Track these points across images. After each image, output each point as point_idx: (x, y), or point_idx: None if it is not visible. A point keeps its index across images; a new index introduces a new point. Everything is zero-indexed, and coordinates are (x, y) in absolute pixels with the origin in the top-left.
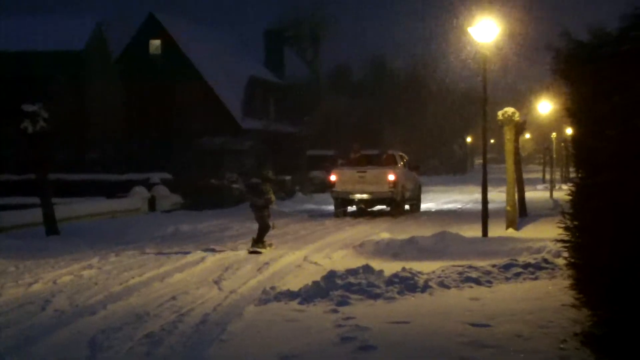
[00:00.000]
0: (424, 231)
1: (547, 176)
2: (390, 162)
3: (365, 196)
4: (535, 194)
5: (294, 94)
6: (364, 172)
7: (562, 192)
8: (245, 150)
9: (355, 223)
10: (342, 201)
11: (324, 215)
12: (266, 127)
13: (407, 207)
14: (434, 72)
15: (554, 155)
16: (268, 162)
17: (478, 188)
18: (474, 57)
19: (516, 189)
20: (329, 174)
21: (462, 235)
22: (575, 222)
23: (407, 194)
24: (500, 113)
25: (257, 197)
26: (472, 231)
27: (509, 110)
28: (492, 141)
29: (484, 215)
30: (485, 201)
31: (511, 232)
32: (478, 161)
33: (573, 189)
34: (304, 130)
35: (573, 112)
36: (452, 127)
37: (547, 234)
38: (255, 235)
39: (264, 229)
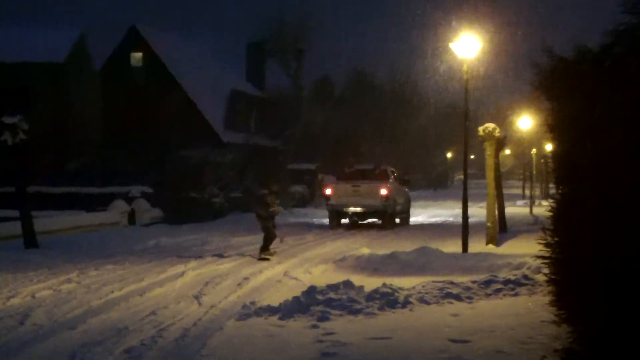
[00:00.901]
0: (405, 246)
1: (527, 192)
2: (383, 177)
3: (359, 209)
4: (515, 210)
5: (276, 107)
6: (358, 186)
7: (542, 208)
8: (226, 163)
9: (336, 237)
10: (337, 213)
11: (305, 230)
12: (247, 140)
13: (397, 220)
14: (416, 86)
15: (534, 171)
16: (248, 176)
17: (458, 203)
18: (456, 73)
19: (496, 205)
20: (323, 188)
21: (442, 251)
22: (556, 238)
23: (398, 208)
24: (481, 129)
25: (262, 208)
26: (453, 246)
27: (490, 125)
28: (472, 157)
29: (465, 230)
30: (465, 216)
31: (491, 247)
32: (458, 176)
33: (553, 204)
34: (285, 144)
35: (554, 127)
36: (434, 142)
37: (527, 250)
38: (262, 244)
39: (269, 238)
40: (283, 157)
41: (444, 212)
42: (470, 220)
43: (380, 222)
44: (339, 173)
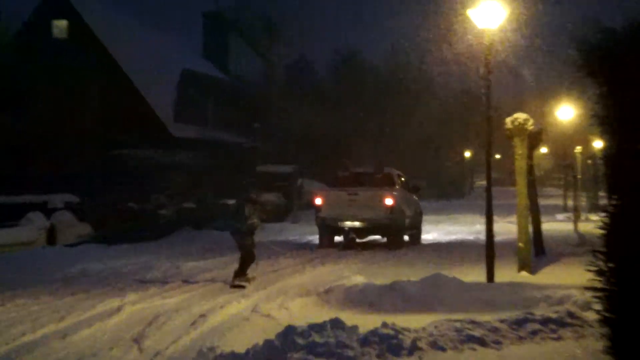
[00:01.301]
0: (411, 273)
1: (570, 202)
2: (387, 183)
3: (357, 223)
4: (554, 226)
5: (241, 94)
6: (356, 194)
7: (591, 224)
8: (176, 166)
9: (320, 261)
10: (329, 229)
11: (280, 251)
12: (204, 136)
13: (405, 237)
14: (421, 69)
15: (579, 176)
16: (206, 181)
17: (480, 217)
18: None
19: (530, 220)
20: (311, 197)
21: (460, 280)
22: (610, 264)
23: (407, 222)
24: (509, 120)
25: (239, 221)
26: (474, 274)
27: (521, 116)
28: (497, 157)
29: (489, 253)
30: (490, 235)
31: (524, 275)
32: (479, 182)
33: (606, 219)
34: (253, 140)
35: (604, 119)
36: (447, 139)
37: (571, 280)
38: (237, 267)
39: (248, 259)
40: (251, 158)
41: (462, 228)
42: (497, 239)
43: (383, 239)
44: (332, 178)
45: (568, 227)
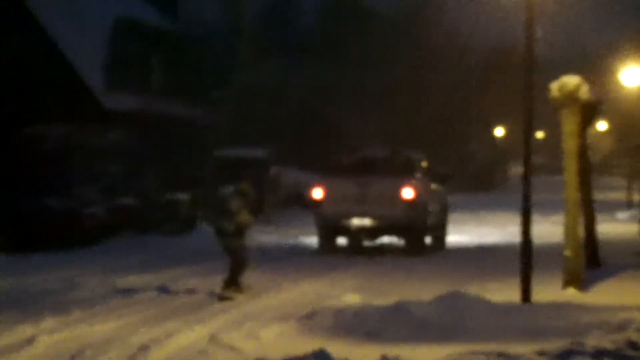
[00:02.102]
0: (421, 290)
1: (637, 197)
2: (406, 169)
3: (367, 222)
4: (615, 228)
5: (196, 51)
6: (367, 184)
7: None
8: (109, 148)
9: (302, 274)
10: (332, 229)
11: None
12: (146, 107)
13: (427, 239)
14: (441, 19)
15: None
16: (149, 169)
17: (515, 217)
18: None
19: (582, 220)
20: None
21: (487, 300)
22: None
23: (430, 220)
24: (555, 86)
25: (225, 219)
26: (504, 291)
27: (571, 81)
28: (540, 135)
29: (525, 264)
30: (527, 240)
31: (573, 293)
32: (515, 169)
33: None
34: (212, 114)
35: None
36: (472, 113)
37: (634, 299)
38: (226, 275)
39: (238, 265)
40: (209, 138)
41: (491, 230)
42: (537, 245)
43: (402, 242)
44: (334, 163)
45: (632, 229)
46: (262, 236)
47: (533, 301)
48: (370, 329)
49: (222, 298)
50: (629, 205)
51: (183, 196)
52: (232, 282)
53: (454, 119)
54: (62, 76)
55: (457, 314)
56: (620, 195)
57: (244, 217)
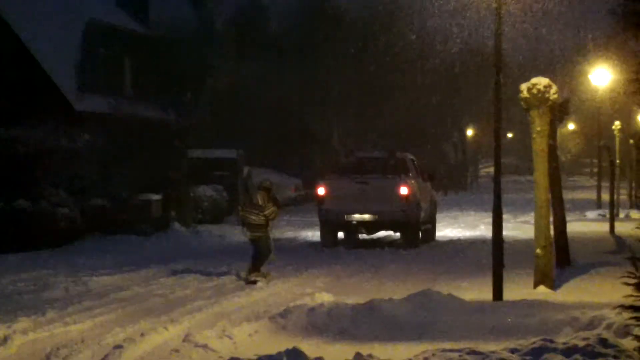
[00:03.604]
0: (394, 289)
1: (605, 196)
2: (401, 170)
3: (367, 217)
4: (585, 227)
5: (169, 54)
6: (366, 183)
7: (632, 224)
8: (81, 150)
9: (275, 274)
10: (335, 224)
11: (221, 260)
12: (118, 110)
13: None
14: (411, 24)
15: (617, 161)
16: (121, 171)
17: (486, 216)
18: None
19: (552, 219)
20: (316, 186)
21: (459, 298)
22: None
23: (422, 215)
24: (525, 87)
25: (253, 212)
26: (476, 290)
27: (541, 82)
28: (509, 135)
29: (497, 263)
30: (498, 240)
31: (543, 292)
32: (486, 170)
33: None
34: (185, 116)
35: None
36: (442, 114)
37: (605, 297)
38: (250, 263)
39: (262, 254)
40: (181, 139)
41: (463, 230)
42: (508, 245)
43: (397, 235)
44: (335, 164)
45: (602, 228)
46: (235, 236)
47: (505, 299)
48: (343, 327)
49: (248, 282)
50: (597, 204)
51: (155, 197)
52: (256, 268)
53: (425, 120)
54: (34, 79)
55: (429, 312)
56: (589, 195)
57: (270, 210)
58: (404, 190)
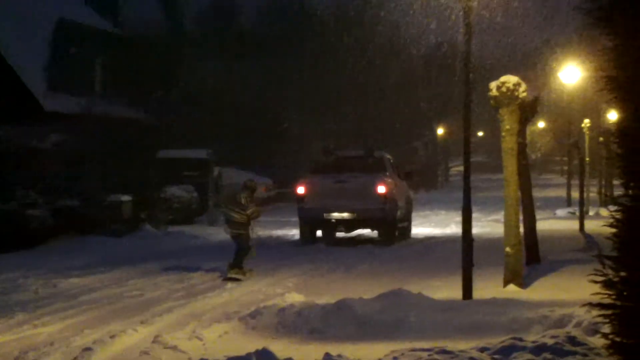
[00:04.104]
0: (364, 288)
1: (575, 194)
2: (379, 168)
3: (346, 215)
4: (554, 225)
5: (139, 53)
6: (345, 181)
7: (601, 222)
8: (51, 150)
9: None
10: (314, 222)
11: (192, 261)
12: (87, 109)
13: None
14: (382, 19)
15: (587, 159)
16: (92, 171)
17: (456, 215)
18: None
19: (521, 217)
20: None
21: (429, 297)
22: (622, 273)
23: (399, 213)
24: (494, 85)
25: (235, 210)
26: (446, 289)
27: (510, 80)
28: (480, 134)
29: (467, 261)
30: (468, 238)
31: (513, 290)
32: (456, 168)
33: (619, 215)
34: (155, 116)
35: (621, 82)
36: (413, 113)
37: (574, 295)
38: (231, 260)
39: (243, 251)
40: (152, 139)
41: (433, 229)
42: (477, 243)
43: (369, 234)
44: (315, 163)
45: (571, 226)
46: (204, 235)
47: (474, 298)
48: (314, 327)
49: (228, 279)
50: (567, 202)
51: (126, 197)
52: (237, 265)
53: (396, 118)
54: (3, 79)
55: (399, 312)
56: (559, 193)
57: (252, 209)
58: (381, 189)
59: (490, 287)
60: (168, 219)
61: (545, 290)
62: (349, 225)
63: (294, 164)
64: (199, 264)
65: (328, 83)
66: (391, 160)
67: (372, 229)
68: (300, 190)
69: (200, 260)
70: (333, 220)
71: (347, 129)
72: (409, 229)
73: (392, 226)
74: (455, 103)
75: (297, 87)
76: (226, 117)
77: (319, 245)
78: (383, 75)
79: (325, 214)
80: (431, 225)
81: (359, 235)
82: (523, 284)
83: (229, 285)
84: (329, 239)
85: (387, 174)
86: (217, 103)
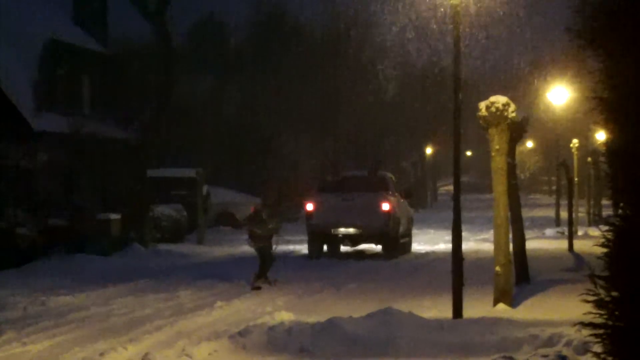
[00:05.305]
0: (354, 307)
1: (564, 214)
2: (383, 187)
3: (352, 230)
4: (543, 245)
5: (128, 72)
6: (351, 199)
7: (590, 242)
8: (39, 169)
9: (235, 292)
10: (321, 237)
11: (181, 280)
12: (77, 129)
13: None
14: (367, 40)
15: (575, 179)
16: (81, 189)
17: (445, 234)
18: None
19: (511, 237)
20: (303, 201)
21: (418, 316)
22: (614, 293)
23: (401, 229)
24: (483, 105)
25: (258, 225)
26: (436, 308)
27: (500, 100)
28: (468, 154)
29: (457, 281)
30: (457, 257)
31: (503, 309)
32: (445, 187)
33: (610, 235)
34: (144, 134)
35: (609, 102)
36: (402, 132)
37: (564, 314)
38: (257, 270)
39: (267, 262)
40: (140, 158)
41: (422, 247)
42: (467, 262)
43: (378, 247)
44: (322, 181)
45: (561, 245)
46: (193, 255)
47: (464, 317)
48: (303, 345)
49: (254, 288)
50: (556, 222)
51: (115, 216)
52: (262, 275)
53: (383, 137)
54: None
55: (389, 331)
56: (548, 213)
57: (274, 224)
58: (385, 206)
59: (480, 306)
60: (157, 237)
61: (535, 309)
62: (354, 239)
63: (286, 182)
64: (188, 283)
65: (317, 101)
66: (393, 179)
67: (376, 244)
68: (309, 206)
69: (189, 279)
70: (340, 235)
71: (336, 146)
72: (409, 244)
73: (395, 241)
74: (445, 122)
75: (286, 104)
76: (215, 136)
77: (309, 262)
78: (371, 94)
79: (332, 229)
80: (420, 244)
81: (349, 253)
82: (513, 303)
83: (219, 303)
84: (335, 253)
85: (390, 192)
86: (206, 120)
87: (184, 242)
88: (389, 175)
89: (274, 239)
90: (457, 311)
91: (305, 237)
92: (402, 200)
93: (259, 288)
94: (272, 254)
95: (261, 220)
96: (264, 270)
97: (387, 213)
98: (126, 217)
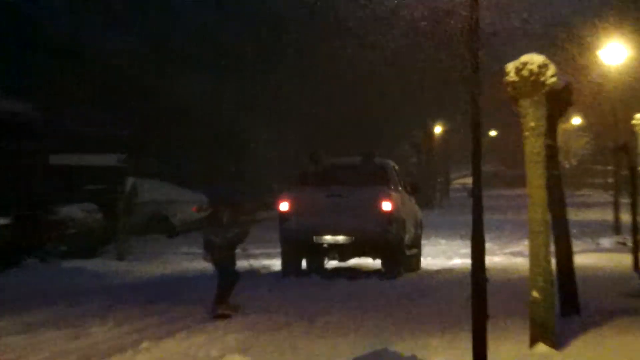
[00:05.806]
0: (336, 347)
1: (626, 217)
2: (381, 179)
3: (340, 239)
4: (598, 260)
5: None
6: (339, 195)
7: None
8: None
9: (169, 329)
10: (299, 248)
11: (91, 312)
12: None
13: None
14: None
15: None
16: None
17: (462, 245)
18: None
19: (553, 249)
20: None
21: None
22: None
23: (407, 237)
24: (512, 68)
25: (214, 231)
26: (449, 350)
27: (534, 60)
28: (492, 133)
29: (478, 313)
30: (480, 278)
31: (543, 351)
32: (459, 181)
33: None
34: (41, 107)
35: None
36: (404, 108)
37: (626, 357)
38: (216, 292)
39: (230, 280)
40: (39, 139)
41: (431, 263)
42: (492, 285)
43: (377, 262)
44: (302, 172)
45: (622, 261)
46: (110, 274)
47: None
48: None
49: (217, 316)
50: (615, 228)
51: (1, 221)
52: (223, 299)
53: (378, 114)
54: None
55: None
56: (604, 215)
57: (237, 230)
58: (386, 206)
59: (511, 347)
60: (61, 250)
61: (587, 351)
62: (343, 251)
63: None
64: (103, 314)
65: (295, 64)
66: (396, 169)
67: (374, 258)
68: (284, 206)
69: (104, 309)
70: (324, 245)
71: (318, 124)
72: (418, 257)
73: (399, 253)
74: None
75: (253, 66)
76: (157, 110)
77: (281, 282)
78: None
79: (314, 237)
80: (428, 258)
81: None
82: (556, 342)
83: (144, 344)
84: (318, 270)
85: (392, 186)
86: (137, 90)
87: (99, 257)
88: (391, 163)
89: (238, 250)
90: (479, 355)
91: (278, 248)
92: (408, 198)
93: (224, 315)
94: (234, 270)
95: (219, 223)
96: (224, 292)
97: (389, 214)
98: (17, 222)
